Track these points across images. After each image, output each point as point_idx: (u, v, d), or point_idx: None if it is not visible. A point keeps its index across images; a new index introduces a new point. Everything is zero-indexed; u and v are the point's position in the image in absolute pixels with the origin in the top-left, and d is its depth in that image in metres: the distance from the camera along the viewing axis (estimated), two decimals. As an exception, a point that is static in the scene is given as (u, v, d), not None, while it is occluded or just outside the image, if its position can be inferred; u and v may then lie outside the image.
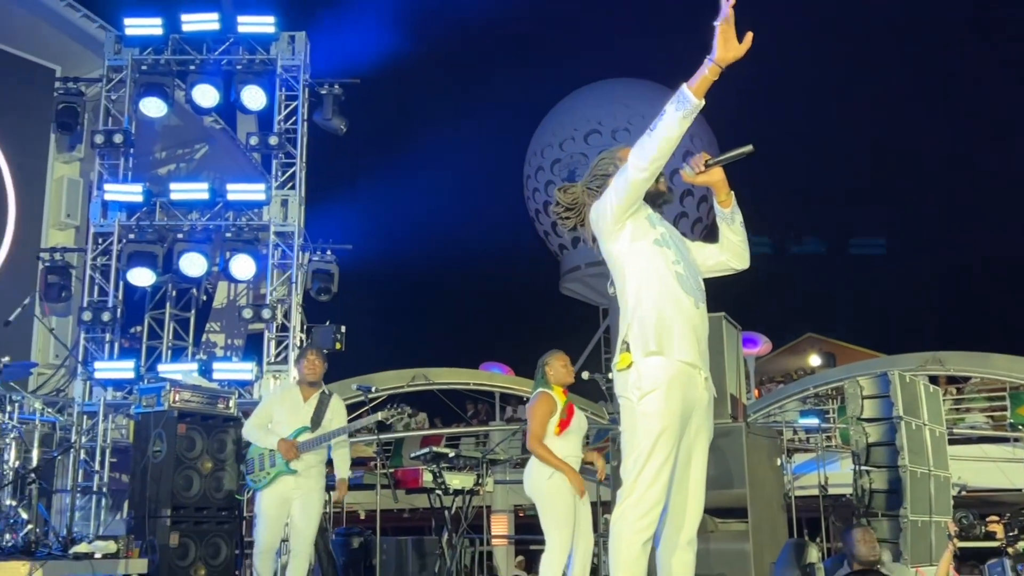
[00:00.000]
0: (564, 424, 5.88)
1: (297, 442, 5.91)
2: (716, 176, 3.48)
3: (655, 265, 3.39)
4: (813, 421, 15.86)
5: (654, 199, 3.55)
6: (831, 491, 11.84)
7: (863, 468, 8.06)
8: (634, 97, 28.95)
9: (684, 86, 3.18)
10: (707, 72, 3.14)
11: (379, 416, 6.41)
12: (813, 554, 6.86)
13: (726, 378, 7.30)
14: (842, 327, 30.37)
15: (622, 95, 29.23)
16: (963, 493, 9.42)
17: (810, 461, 14.06)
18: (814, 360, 26.97)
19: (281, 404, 6.17)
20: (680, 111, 3.17)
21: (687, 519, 3.39)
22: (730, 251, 3.61)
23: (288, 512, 6.16)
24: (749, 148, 3.35)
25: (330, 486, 7.03)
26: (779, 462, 8.42)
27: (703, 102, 3.17)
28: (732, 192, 3.54)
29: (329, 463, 6.49)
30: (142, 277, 10.13)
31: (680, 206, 25.57)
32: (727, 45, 3.09)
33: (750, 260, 3.67)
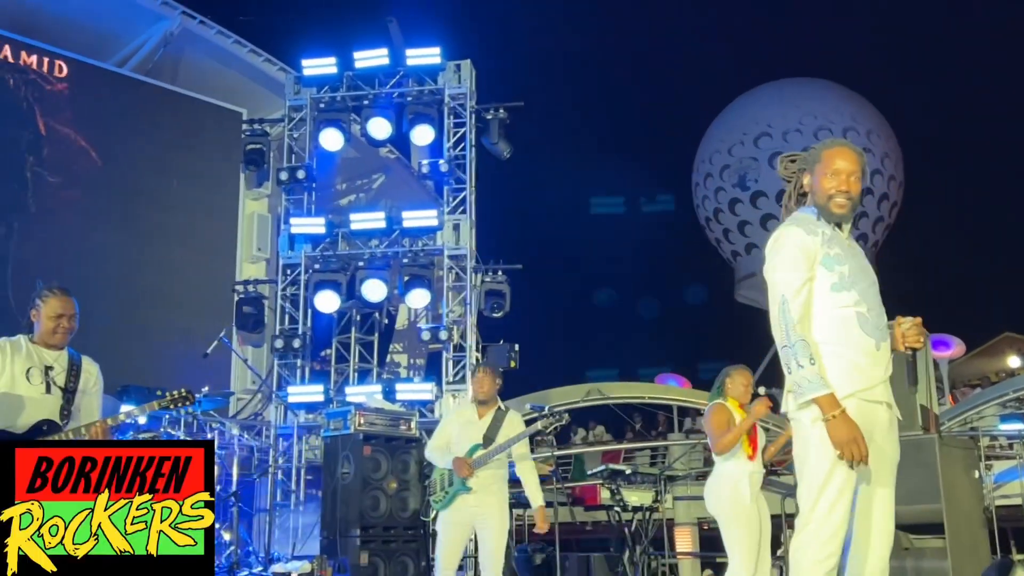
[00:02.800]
0: (753, 443, 5.73)
1: (471, 459, 5.97)
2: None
3: (830, 311, 3.29)
4: (1015, 426, 14.89)
5: (826, 216, 3.43)
6: (1036, 501, 11.08)
7: (1071, 480, 7.55)
8: (804, 97, 28.12)
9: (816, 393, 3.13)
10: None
11: (538, 426, 6.36)
12: (1020, 574, 6.47)
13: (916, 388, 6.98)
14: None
15: (791, 96, 28.44)
16: None
17: (1012, 468, 13.22)
18: (1013, 361, 25.34)
19: (457, 423, 6.19)
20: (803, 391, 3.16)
21: (874, 547, 3.25)
22: None
23: (469, 531, 6.14)
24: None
25: (519, 502, 7.04)
26: (977, 473, 7.97)
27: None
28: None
29: (516, 482, 6.46)
30: (328, 304, 10.67)
31: (859, 205, 24.66)
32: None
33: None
